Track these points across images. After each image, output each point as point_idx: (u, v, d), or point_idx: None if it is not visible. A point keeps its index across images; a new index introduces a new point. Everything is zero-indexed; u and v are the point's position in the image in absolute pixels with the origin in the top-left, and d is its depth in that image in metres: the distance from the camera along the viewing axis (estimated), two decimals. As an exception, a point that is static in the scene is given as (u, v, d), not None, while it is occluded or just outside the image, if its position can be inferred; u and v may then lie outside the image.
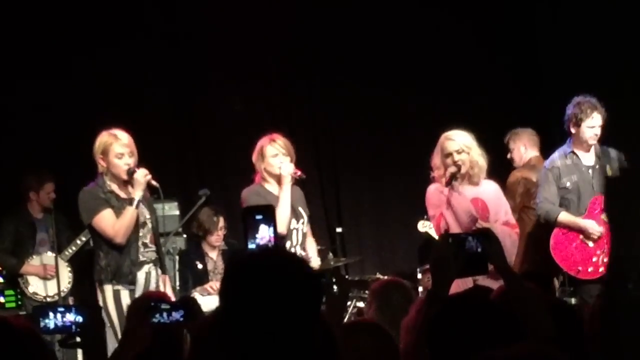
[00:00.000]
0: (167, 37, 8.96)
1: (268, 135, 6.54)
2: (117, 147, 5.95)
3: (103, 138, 5.99)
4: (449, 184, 6.00)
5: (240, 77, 9.08)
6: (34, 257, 7.93)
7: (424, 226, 8.19)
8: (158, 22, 8.93)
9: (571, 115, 6.70)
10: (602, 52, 8.52)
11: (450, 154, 6.03)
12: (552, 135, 7.69)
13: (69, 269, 7.98)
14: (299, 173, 6.40)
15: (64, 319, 3.11)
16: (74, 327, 3.11)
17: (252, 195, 6.42)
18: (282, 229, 6.25)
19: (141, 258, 6.03)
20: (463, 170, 6.00)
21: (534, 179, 7.29)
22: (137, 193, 5.96)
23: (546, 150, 7.36)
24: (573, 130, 6.73)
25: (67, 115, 8.50)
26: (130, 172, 5.96)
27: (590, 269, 6.62)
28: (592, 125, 6.67)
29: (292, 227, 6.48)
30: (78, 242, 7.90)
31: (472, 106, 9.10)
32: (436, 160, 6.13)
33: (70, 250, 7.92)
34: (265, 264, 2.21)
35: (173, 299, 6.15)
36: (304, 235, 6.55)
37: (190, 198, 7.72)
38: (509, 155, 7.83)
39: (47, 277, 7.85)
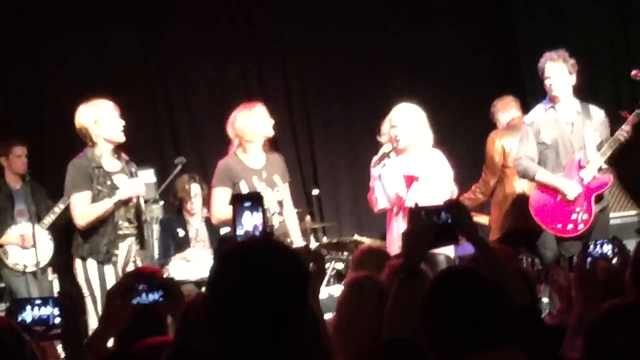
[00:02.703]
0: (139, 6, 8.90)
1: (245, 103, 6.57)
2: (109, 109, 6.02)
3: (90, 107, 6.02)
4: (380, 161, 6.26)
5: (214, 44, 9.06)
6: (13, 227, 7.90)
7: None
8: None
9: (539, 71, 6.74)
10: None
11: (394, 126, 6.29)
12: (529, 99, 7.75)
13: (49, 237, 7.96)
14: None
15: (41, 312, 3.12)
16: (51, 319, 3.12)
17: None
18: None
19: (125, 232, 6.07)
20: (402, 145, 6.28)
21: (509, 138, 7.32)
22: (118, 197, 5.98)
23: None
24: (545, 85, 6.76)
25: (41, 87, 8.48)
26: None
27: (569, 227, 6.63)
28: (548, 75, 6.66)
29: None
30: (56, 209, 7.87)
31: (447, 74, 9.20)
32: (384, 127, 6.40)
33: (49, 219, 7.90)
34: (253, 254, 2.24)
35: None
36: (280, 203, 6.55)
37: (167, 166, 7.73)
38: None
39: (26, 247, 7.82)
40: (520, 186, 7.22)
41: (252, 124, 6.37)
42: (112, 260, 5.99)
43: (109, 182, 6.00)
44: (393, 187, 6.23)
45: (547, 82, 6.66)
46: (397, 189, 6.23)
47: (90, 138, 5.99)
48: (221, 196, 6.33)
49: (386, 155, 6.27)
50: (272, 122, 6.46)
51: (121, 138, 6.04)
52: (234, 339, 2.17)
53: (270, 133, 6.46)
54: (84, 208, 5.95)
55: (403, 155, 6.33)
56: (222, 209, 6.28)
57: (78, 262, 6.03)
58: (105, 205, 5.97)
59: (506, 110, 7.64)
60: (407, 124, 6.30)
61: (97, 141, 5.98)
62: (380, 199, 6.31)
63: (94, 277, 5.95)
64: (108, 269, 5.94)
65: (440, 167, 6.36)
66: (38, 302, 3.17)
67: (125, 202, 6.06)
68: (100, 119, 5.97)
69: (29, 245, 7.76)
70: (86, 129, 5.98)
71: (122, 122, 6.03)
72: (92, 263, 5.97)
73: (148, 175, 7.82)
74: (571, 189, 6.58)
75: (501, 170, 7.38)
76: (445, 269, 3.28)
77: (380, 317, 3.20)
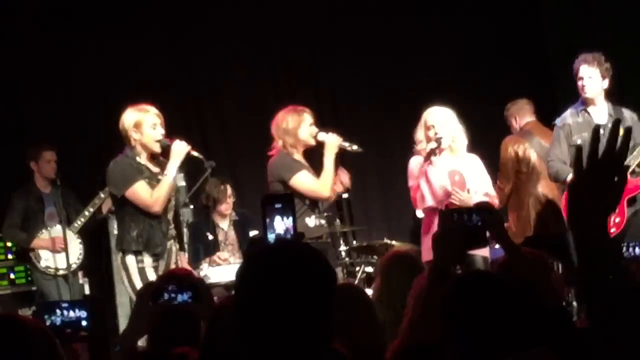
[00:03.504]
0: (170, 12, 8.95)
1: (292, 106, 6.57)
2: (151, 117, 6.00)
3: (134, 112, 6.02)
4: (427, 159, 6.24)
5: (245, 51, 9.12)
6: (44, 231, 7.94)
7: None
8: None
9: (573, 70, 6.72)
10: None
11: (431, 127, 6.29)
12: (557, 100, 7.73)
13: (79, 240, 8.01)
14: None
15: (70, 315, 3.15)
16: (79, 322, 3.16)
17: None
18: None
19: (168, 232, 6.08)
20: (444, 145, 6.29)
21: (522, 144, 7.34)
22: (175, 163, 5.97)
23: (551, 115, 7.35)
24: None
25: (72, 91, 8.54)
26: (164, 144, 5.99)
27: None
28: (580, 77, 6.64)
29: None
30: (86, 213, 7.93)
31: (476, 73, 9.17)
32: (419, 134, 6.42)
33: (79, 222, 7.95)
34: (281, 256, 2.21)
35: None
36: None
37: (196, 170, 7.76)
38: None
39: (57, 251, 7.86)
40: (537, 191, 7.19)
41: (298, 129, 6.39)
42: (163, 256, 5.99)
43: (154, 180, 6.00)
44: (441, 183, 6.23)
45: (579, 83, 6.65)
46: (444, 184, 6.23)
47: (129, 141, 6.02)
48: (306, 176, 6.34)
49: (433, 152, 6.25)
50: (315, 131, 6.44)
51: (155, 148, 6.02)
52: (259, 342, 2.14)
53: (312, 142, 6.44)
54: (152, 194, 5.91)
55: (445, 154, 6.33)
56: (320, 183, 6.31)
57: (122, 260, 5.99)
58: (168, 180, 5.94)
59: (519, 115, 7.69)
60: (445, 124, 6.31)
61: (135, 145, 6.00)
62: (427, 197, 6.29)
63: (136, 277, 5.94)
64: (150, 271, 5.94)
65: (482, 170, 6.44)
66: (66, 305, 3.20)
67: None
68: (141, 125, 5.97)
69: (60, 249, 7.81)
70: (126, 132, 5.99)
71: (162, 131, 6.02)
72: (133, 263, 5.96)
73: (177, 180, 7.83)
74: None
75: (516, 177, 7.35)
76: (461, 274, 3.25)
77: (354, 325, 3.22)
